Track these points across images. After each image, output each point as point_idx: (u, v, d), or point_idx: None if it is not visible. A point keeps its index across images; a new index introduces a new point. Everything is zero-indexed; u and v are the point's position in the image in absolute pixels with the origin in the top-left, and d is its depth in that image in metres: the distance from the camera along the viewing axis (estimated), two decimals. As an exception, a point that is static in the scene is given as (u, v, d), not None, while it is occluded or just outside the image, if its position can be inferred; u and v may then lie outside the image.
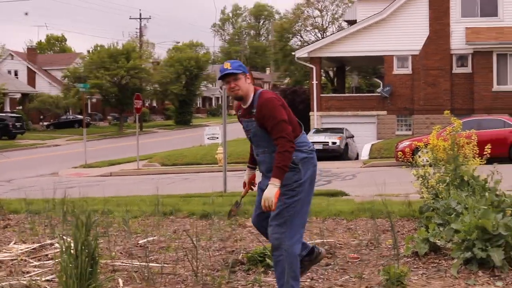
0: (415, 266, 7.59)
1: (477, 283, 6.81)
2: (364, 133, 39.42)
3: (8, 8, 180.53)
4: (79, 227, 6.05)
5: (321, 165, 29.44)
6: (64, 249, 6.06)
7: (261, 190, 6.30)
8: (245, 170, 6.85)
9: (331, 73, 66.19)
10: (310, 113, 41.39)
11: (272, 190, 5.86)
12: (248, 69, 6.39)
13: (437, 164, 10.09)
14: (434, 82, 38.97)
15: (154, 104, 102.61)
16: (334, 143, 33.67)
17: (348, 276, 7.23)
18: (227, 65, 6.17)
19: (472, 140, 10.23)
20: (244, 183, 6.75)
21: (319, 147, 33.49)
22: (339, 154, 33.62)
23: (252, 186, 6.75)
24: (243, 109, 6.33)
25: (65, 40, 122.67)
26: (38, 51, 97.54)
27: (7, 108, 68.28)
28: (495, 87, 37.44)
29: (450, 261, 7.50)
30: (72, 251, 6.03)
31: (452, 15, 38.58)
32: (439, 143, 10.23)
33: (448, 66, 38.80)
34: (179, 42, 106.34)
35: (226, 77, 6.16)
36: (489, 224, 7.14)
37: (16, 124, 59.93)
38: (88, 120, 72.72)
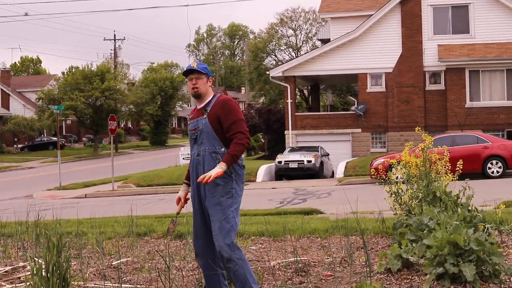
0: (388, 283, 7.59)
1: (450, 298, 6.83)
2: (339, 151, 39.58)
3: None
4: (50, 248, 6.01)
5: (297, 184, 29.67)
6: (35, 271, 6.02)
7: (196, 211, 6.68)
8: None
9: (305, 92, 66.47)
10: (285, 132, 41.51)
11: (217, 170, 6.13)
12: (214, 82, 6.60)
13: (410, 181, 10.13)
14: (408, 99, 39.27)
15: (130, 125, 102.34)
16: (309, 161, 33.74)
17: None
18: (194, 63, 6.57)
19: (444, 156, 10.29)
20: (179, 199, 6.91)
21: (295, 165, 33.60)
22: (314, 172, 33.71)
23: (185, 202, 6.94)
24: (196, 110, 6.63)
25: (40, 62, 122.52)
26: (13, 73, 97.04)
27: (-19, 131, 67.82)
28: (468, 103, 37.80)
29: (423, 277, 7.52)
30: (43, 273, 5.98)
31: (424, 32, 38.96)
32: (411, 159, 10.27)
33: (421, 83, 39.12)
34: (154, 63, 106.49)
35: (190, 73, 6.53)
36: (460, 239, 7.17)
37: (-10, 146, 59.53)
38: (63, 142, 72.43)
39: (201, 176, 6.16)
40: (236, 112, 6.38)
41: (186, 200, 6.91)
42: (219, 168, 6.13)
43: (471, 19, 38.65)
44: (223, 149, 6.33)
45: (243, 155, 6.46)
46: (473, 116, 37.65)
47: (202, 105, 6.56)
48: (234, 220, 6.32)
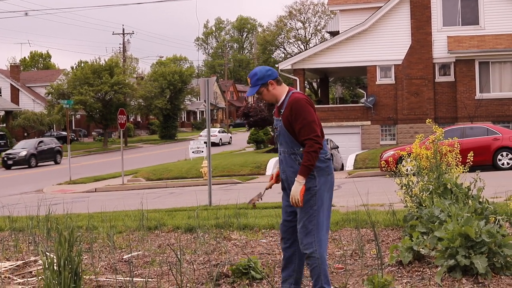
0: (399, 275, 7.60)
1: (461, 290, 6.83)
2: (348, 144, 39.53)
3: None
4: (62, 243, 6.02)
5: (306, 177, 29.60)
6: (47, 266, 6.03)
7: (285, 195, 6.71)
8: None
9: (314, 85, 66.45)
10: (295, 125, 41.42)
11: (297, 188, 6.27)
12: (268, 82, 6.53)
13: (421, 173, 10.10)
14: (417, 91, 39.16)
15: (139, 119, 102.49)
16: (319, 154, 33.63)
17: (333, 287, 7.23)
18: (248, 80, 6.55)
19: (455, 148, 10.26)
20: (272, 176, 6.96)
21: (304, 158, 33.50)
22: (324, 165, 33.58)
23: (276, 180, 6.94)
24: (276, 108, 6.68)
25: (50, 57, 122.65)
26: (22, 68, 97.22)
27: (-9, 126, 67.98)
28: (478, 95, 37.68)
29: (434, 269, 7.52)
30: (55, 267, 5.99)
31: (433, 24, 38.81)
32: (422, 151, 10.24)
33: (431, 75, 39.00)
34: (162, 57, 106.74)
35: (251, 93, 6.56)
36: (472, 231, 7.16)
37: (0, 141, 59.60)
38: (73, 136, 72.59)
39: (291, 202, 6.36)
40: (304, 114, 6.31)
41: (277, 177, 6.91)
42: (299, 184, 6.26)
43: (480, 11, 38.49)
44: (301, 149, 6.36)
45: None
46: (483, 107, 37.55)
47: (279, 104, 6.59)
48: (317, 218, 6.37)
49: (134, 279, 7.52)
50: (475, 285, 6.94)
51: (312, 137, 6.24)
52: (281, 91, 6.52)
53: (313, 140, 6.24)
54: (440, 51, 38.62)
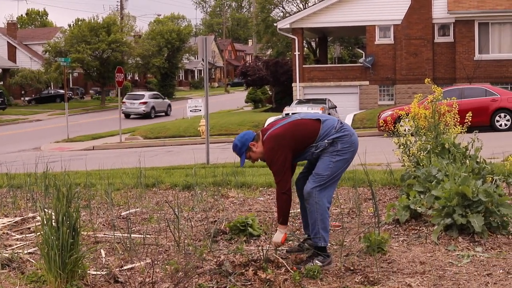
0: (396, 233, 7.64)
1: (457, 248, 6.87)
2: (346, 104, 39.50)
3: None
4: (60, 198, 6.03)
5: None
6: (45, 221, 6.05)
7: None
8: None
9: (313, 44, 66.04)
10: (293, 84, 41.40)
11: (279, 236, 6.73)
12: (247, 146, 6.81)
13: (419, 133, 10.10)
14: (416, 52, 39.03)
15: (136, 77, 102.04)
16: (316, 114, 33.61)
17: (329, 244, 7.27)
18: (235, 154, 6.93)
19: (453, 108, 10.25)
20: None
21: (302, 118, 33.47)
22: (322, 125, 33.56)
23: None
24: None
25: (47, 14, 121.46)
26: (19, 26, 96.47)
27: (-12, 84, 67.66)
28: (477, 56, 37.57)
29: (431, 228, 7.56)
30: (53, 223, 6.01)
31: (433, -16, 38.54)
32: (420, 111, 10.23)
33: (430, 35, 38.84)
34: (160, 15, 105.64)
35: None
36: (469, 190, 7.18)
37: (-3, 99, 59.38)
38: (70, 94, 72.36)
39: (273, 245, 6.84)
40: (272, 162, 6.62)
41: None
42: (280, 233, 6.74)
43: (481, -30, 38.19)
44: (314, 144, 6.65)
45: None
46: (481, 68, 37.44)
47: None
48: (331, 170, 6.55)
49: (132, 235, 7.56)
50: (471, 244, 6.98)
51: (276, 181, 6.62)
52: (260, 144, 6.80)
53: (277, 186, 6.62)
54: (439, 11, 38.41)
